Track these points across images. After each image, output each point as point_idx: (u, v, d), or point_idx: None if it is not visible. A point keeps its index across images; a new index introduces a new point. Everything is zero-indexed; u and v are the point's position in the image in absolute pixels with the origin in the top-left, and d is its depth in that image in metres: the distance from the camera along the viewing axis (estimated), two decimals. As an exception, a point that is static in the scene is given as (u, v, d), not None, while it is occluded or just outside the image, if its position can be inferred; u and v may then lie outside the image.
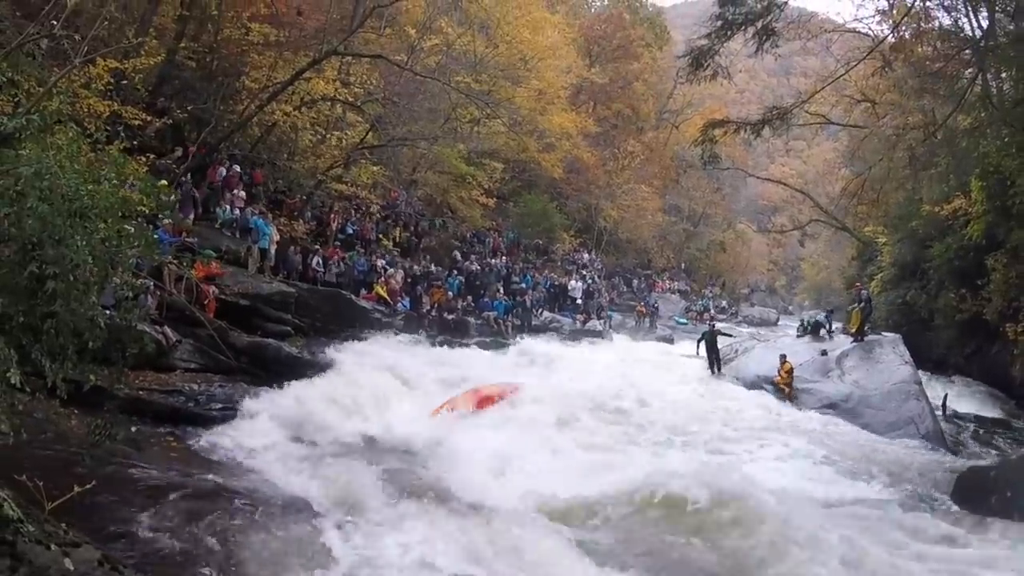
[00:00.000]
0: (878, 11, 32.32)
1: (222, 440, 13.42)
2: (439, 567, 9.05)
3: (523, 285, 37.84)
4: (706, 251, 79.68)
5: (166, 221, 17.81)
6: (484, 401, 18.42)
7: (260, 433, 14.17)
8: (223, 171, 24.50)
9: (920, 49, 29.94)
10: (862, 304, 27.52)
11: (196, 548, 8.38)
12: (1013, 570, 9.79)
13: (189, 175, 22.76)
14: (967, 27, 29.40)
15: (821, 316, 31.21)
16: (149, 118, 20.64)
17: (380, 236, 31.77)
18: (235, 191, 24.15)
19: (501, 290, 35.25)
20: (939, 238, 31.75)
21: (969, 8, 28.20)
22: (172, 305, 16.12)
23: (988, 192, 25.42)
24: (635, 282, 61.66)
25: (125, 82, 19.55)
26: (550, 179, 50.37)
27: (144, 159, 17.61)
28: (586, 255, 54.29)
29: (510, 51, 40.32)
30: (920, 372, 25.11)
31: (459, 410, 17.68)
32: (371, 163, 30.27)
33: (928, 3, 28.00)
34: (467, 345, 27.84)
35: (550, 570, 9.23)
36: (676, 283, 68.98)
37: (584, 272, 49.25)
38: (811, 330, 29.58)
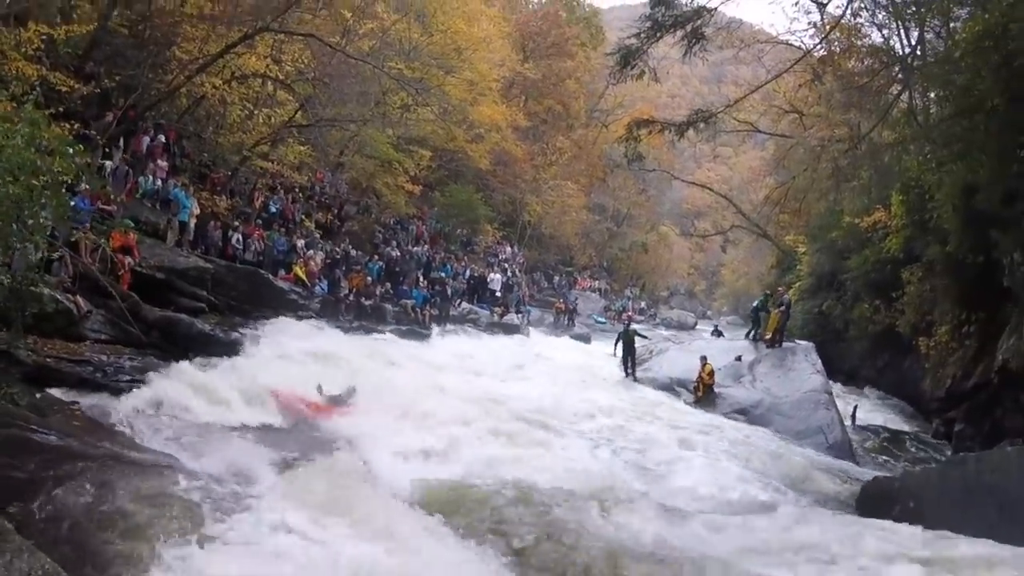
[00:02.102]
0: (811, 24, 32.79)
1: (126, 412, 13.15)
2: (325, 543, 9.03)
3: (443, 275, 37.72)
4: (628, 251, 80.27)
5: (84, 187, 17.41)
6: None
7: (165, 408, 13.97)
8: (147, 140, 24.02)
9: (849, 63, 30.41)
10: (782, 308, 27.87)
11: (88, 512, 8.37)
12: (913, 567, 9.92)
13: (122, 146, 22.37)
14: (896, 45, 29.98)
15: (758, 302, 31.41)
16: (77, 85, 20.13)
17: (303, 217, 31.40)
18: (158, 161, 23.66)
19: (421, 278, 35.10)
20: (857, 250, 32.28)
21: (899, 26, 28.71)
22: (86, 275, 15.78)
23: (908, 206, 25.85)
24: (556, 278, 62.03)
25: (46, 36, 19.03)
26: (477, 170, 50.46)
27: (69, 126, 17.17)
28: (508, 248, 54.34)
29: (445, 40, 40.21)
30: (832, 382, 25.47)
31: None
32: (298, 143, 29.91)
33: (859, 19, 28.48)
34: (383, 333, 27.66)
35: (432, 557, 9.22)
36: (597, 282, 69.55)
37: (505, 265, 49.31)
38: (751, 316, 30.00)
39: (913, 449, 22.90)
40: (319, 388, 17.55)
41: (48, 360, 13.13)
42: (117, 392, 13.78)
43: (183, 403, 14.42)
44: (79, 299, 14.89)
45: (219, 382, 15.74)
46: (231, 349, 17.99)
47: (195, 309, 19.00)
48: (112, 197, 19.54)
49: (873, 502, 14.29)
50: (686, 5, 20.84)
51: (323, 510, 9.78)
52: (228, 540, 8.64)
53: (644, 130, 23.82)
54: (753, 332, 29.09)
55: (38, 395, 11.94)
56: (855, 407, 25.91)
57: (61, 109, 16.97)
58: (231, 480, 10.61)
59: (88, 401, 13.02)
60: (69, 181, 12.81)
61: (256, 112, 28.15)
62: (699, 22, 20.96)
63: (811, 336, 32.45)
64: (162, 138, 24.61)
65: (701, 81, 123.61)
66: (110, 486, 8.94)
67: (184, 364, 15.74)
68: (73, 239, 15.58)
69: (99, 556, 7.65)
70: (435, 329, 31.80)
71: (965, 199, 19.35)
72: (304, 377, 18.07)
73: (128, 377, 14.41)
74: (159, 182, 22.94)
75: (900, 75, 27.17)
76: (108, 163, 21.03)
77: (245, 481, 10.67)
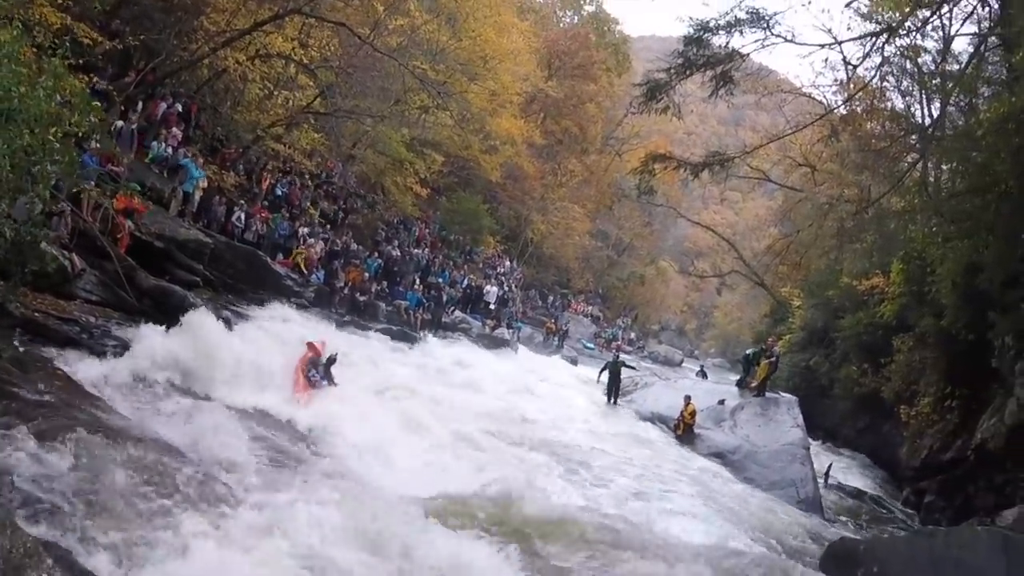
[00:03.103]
0: (836, 81, 32.91)
1: (107, 376, 13.12)
2: (303, 535, 8.95)
3: (440, 280, 37.68)
4: (625, 281, 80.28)
5: (94, 145, 17.36)
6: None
7: (146, 376, 13.93)
8: (164, 106, 23.99)
9: (869, 126, 30.50)
10: (772, 360, 27.91)
11: (60, 474, 8.29)
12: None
13: (139, 108, 22.37)
14: (918, 114, 30.14)
15: (750, 352, 31.36)
16: (100, 39, 20.05)
17: (308, 204, 31.37)
18: (172, 129, 23.62)
19: (418, 281, 35.05)
20: (852, 311, 32.35)
21: (923, 96, 28.87)
22: (85, 233, 15.70)
23: (907, 275, 25.89)
24: (551, 298, 61.92)
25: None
26: (487, 181, 50.38)
27: (86, 79, 17.08)
28: (508, 263, 54.32)
29: (472, 47, 40.12)
30: (810, 438, 25.47)
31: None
32: (313, 129, 29.89)
33: (884, 83, 28.60)
34: (372, 330, 27.59)
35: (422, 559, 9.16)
36: (591, 307, 69.46)
37: (502, 279, 49.24)
38: (743, 364, 30.02)
39: (882, 514, 22.92)
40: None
41: (36, 315, 13.07)
42: (102, 355, 13.72)
43: (165, 374, 14.38)
44: (75, 256, 14.82)
45: (202, 357, 15.60)
46: (221, 326, 17.83)
47: (190, 282, 18.95)
48: (122, 159, 19.47)
49: (837, 561, 14.26)
50: (719, 48, 20.91)
51: (306, 510, 9.69)
52: (198, 520, 8.58)
53: (659, 165, 23.87)
54: (742, 379, 29.13)
55: (22, 349, 11.91)
56: (830, 465, 25.90)
57: (81, 61, 16.89)
58: (206, 457, 10.52)
59: (71, 361, 12.97)
60: (80, 135, 12.79)
61: (275, 93, 28.11)
62: (730, 65, 21.05)
63: (795, 389, 32.47)
64: (179, 106, 24.57)
65: (719, 122, 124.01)
66: (84, 448, 8.86)
67: (172, 336, 15.62)
68: (76, 188, 15.48)
69: (77, 528, 7.61)
70: (427, 336, 31.66)
71: (966, 277, 19.40)
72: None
73: (114, 342, 14.35)
74: (170, 149, 22.90)
75: (917, 144, 27.27)
76: (119, 123, 20.96)
77: (221, 463, 10.55)
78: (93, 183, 16.04)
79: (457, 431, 17.97)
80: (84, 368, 12.99)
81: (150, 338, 15.07)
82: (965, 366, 21.24)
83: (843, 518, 21.28)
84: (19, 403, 9.49)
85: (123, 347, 14.42)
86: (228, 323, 18.31)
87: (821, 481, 23.29)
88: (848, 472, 27.93)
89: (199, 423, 12.10)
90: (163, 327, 15.63)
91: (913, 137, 28.01)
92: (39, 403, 9.80)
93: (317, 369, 17.71)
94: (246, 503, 9.43)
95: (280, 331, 20.26)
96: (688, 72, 21.15)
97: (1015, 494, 17.56)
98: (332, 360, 18.07)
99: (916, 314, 25.05)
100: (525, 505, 12.22)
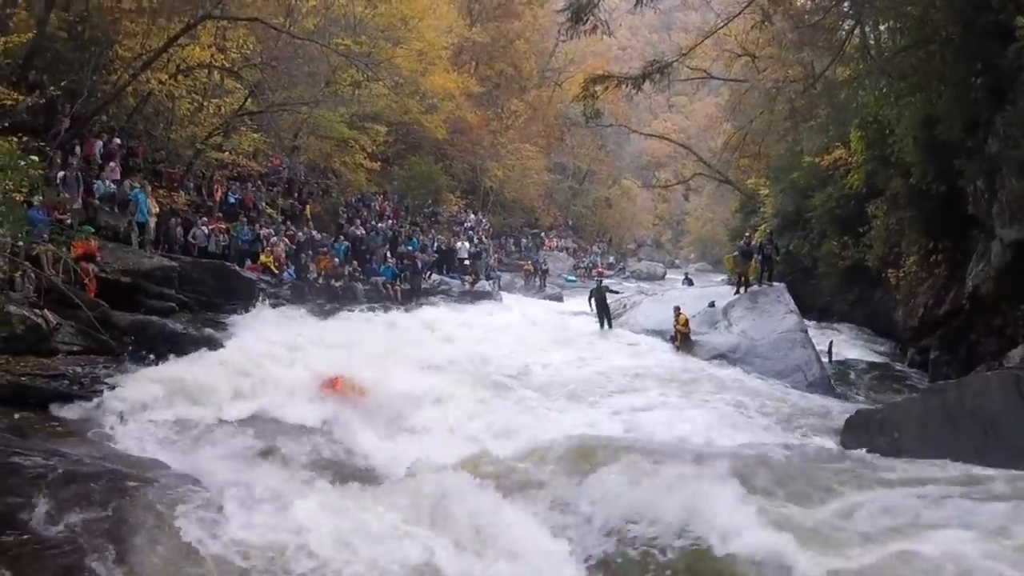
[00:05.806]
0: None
1: (108, 422, 12.94)
2: (347, 537, 8.85)
3: (411, 248, 37.47)
4: (592, 208, 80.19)
5: (39, 199, 17.14)
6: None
7: (146, 413, 13.66)
8: (100, 144, 23.69)
9: (799, 2, 30.36)
10: (761, 255, 27.76)
11: (83, 530, 8.13)
12: (897, 497, 9.88)
13: (76, 152, 22.11)
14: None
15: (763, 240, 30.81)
16: (20, 96, 19.71)
17: (264, 205, 31.08)
18: (111, 163, 23.35)
19: (388, 254, 34.89)
20: (820, 188, 32.31)
21: (849, -41, 28.68)
22: (52, 287, 15.57)
23: (867, 142, 25.83)
24: (524, 241, 61.85)
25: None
26: (434, 141, 50.05)
27: (16, 139, 16.79)
28: (473, 216, 54.10)
29: (390, 11, 39.52)
30: (806, 320, 25.57)
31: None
32: (251, 130, 29.58)
33: (809, -45, 28.45)
34: (354, 311, 27.38)
35: (480, 526, 9.11)
36: (564, 241, 69.48)
37: (471, 233, 49.12)
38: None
39: (891, 380, 23.09)
40: None
41: (23, 379, 12.98)
42: (96, 402, 13.55)
43: (164, 405, 14.17)
44: (47, 313, 14.71)
45: (198, 379, 15.43)
46: (206, 345, 17.69)
47: (165, 309, 18.87)
48: (68, 206, 19.25)
49: (857, 434, 14.47)
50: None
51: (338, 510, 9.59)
52: (226, 540, 8.47)
53: (600, 86, 23.78)
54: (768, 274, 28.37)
55: (16, 416, 11.81)
56: (830, 343, 26.05)
57: (7, 124, 16.68)
58: (230, 484, 10.31)
59: (69, 415, 12.85)
60: (23, 195, 12.60)
61: (205, 103, 27.82)
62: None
63: (781, 276, 32.47)
64: (117, 140, 24.29)
65: (650, 30, 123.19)
66: (102, 499, 8.76)
67: (160, 367, 15.51)
68: (34, 252, 15.38)
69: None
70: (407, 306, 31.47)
71: (925, 131, 19.40)
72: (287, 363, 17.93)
73: (105, 386, 14.18)
74: (113, 185, 22.67)
75: (851, 10, 27.12)
76: (61, 173, 20.73)
77: (247, 485, 10.31)
78: (46, 237, 15.85)
79: (470, 391, 17.84)
80: (83, 418, 12.86)
81: (142, 373, 14.95)
82: (943, 219, 21.32)
83: (854, 392, 21.48)
84: (25, 469, 9.36)
85: (116, 388, 14.26)
86: (213, 340, 18.15)
87: (826, 360, 23.45)
88: (850, 346, 28.10)
89: (209, 446, 12.06)
90: (152, 361, 15.59)
91: (846, 4, 27.84)
92: (46, 463, 9.65)
93: None
94: (281, 517, 9.27)
95: (268, 334, 20.07)
96: (609, -16, 21.06)
97: (1016, 333, 17.69)
98: None
99: (884, 178, 25.05)
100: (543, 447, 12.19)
